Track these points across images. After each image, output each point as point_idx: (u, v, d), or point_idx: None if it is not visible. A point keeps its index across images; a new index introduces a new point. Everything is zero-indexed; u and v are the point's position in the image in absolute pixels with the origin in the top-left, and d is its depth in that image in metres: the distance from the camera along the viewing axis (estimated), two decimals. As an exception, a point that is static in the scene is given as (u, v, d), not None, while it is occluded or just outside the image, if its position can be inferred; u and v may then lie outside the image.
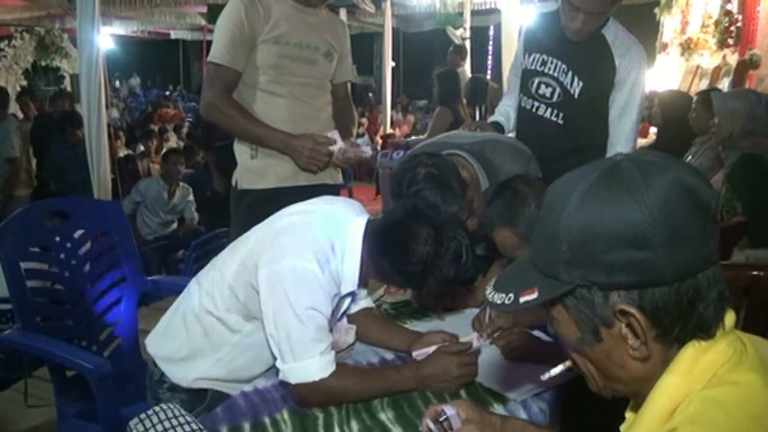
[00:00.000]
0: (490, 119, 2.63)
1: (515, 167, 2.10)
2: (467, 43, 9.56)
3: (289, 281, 1.44)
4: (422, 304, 2.10)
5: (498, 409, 1.51)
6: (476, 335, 1.73)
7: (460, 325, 1.96)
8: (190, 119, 12.66)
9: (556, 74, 2.33)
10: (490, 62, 12.98)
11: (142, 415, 1.32)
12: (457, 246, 1.50)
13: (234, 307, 1.58)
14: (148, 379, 1.72)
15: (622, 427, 0.95)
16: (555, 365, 1.00)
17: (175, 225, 5.55)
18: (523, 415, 1.50)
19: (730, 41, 5.91)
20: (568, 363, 0.95)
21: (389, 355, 1.78)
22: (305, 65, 2.27)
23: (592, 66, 2.28)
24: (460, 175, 1.92)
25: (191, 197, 5.53)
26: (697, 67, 6.17)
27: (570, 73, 2.30)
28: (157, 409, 1.34)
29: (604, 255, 0.79)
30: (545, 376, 1.01)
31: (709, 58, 6.29)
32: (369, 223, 1.60)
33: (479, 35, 11.85)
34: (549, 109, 2.38)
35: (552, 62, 2.34)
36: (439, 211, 1.68)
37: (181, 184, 5.47)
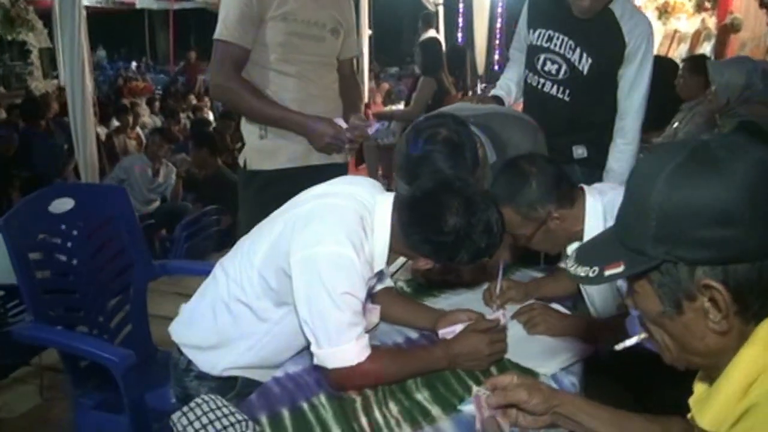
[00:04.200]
0: (491, 93, 2.61)
1: (524, 140, 2.10)
2: (440, 9, 9.47)
3: (325, 266, 1.43)
4: (428, 280, 2.10)
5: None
6: (502, 312, 1.74)
7: (474, 301, 1.97)
8: (160, 92, 12.41)
9: (562, 51, 2.33)
10: (460, 28, 12.90)
11: (185, 408, 1.31)
12: (488, 218, 1.49)
13: (264, 294, 1.56)
14: (173, 368, 1.70)
15: (691, 400, 0.97)
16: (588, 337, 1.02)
17: (157, 203, 5.48)
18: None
19: (708, 5, 5.96)
20: (643, 335, 0.97)
21: (414, 334, 1.79)
22: (313, 43, 2.23)
23: (601, 41, 2.28)
24: (477, 151, 1.91)
25: (174, 175, 5.46)
26: (675, 31, 6.20)
27: (578, 50, 2.30)
28: (199, 401, 1.33)
29: (692, 231, 0.82)
30: (620, 346, 1.03)
31: (686, 22, 6.32)
32: (396, 198, 1.59)
33: (450, 1, 11.75)
34: (555, 86, 2.38)
35: (558, 38, 2.33)
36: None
37: (165, 161, 5.39)
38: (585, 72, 2.31)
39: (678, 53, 5.82)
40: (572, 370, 1.62)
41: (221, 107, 10.04)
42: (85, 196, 2.10)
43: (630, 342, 1.01)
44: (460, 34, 13.09)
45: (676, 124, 3.94)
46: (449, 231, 1.47)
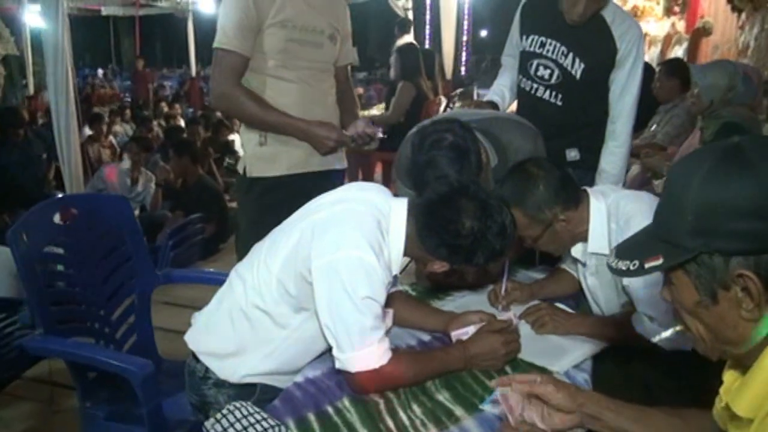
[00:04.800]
0: (486, 98, 2.66)
1: (524, 144, 2.15)
2: (410, 14, 9.55)
3: (346, 271, 1.45)
4: (432, 283, 2.14)
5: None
6: (513, 312, 1.79)
7: (479, 303, 2.02)
8: (128, 99, 12.28)
9: (555, 56, 2.39)
10: (428, 32, 13.00)
11: (218, 415, 1.33)
12: (502, 220, 1.53)
13: (283, 300, 1.58)
14: (189, 376, 1.70)
15: (722, 389, 1.02)
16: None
17: (136, 212, 5.43)
18: (570, 386, 1.56)
19: (677, 9, 6.13)
20: (678, 327, 1.03)
21: (426, 337, 1.82)
22: (312, 49, 2.25)
23: (593, 46, 2.35)
24: (481, 156, 1.95)
25: (153, 184, 5.42)
26: (645, 34, 6.36)
27: (571, 55, 2.36)
28: (231, 407, 1.35)
29: (727, 225, 0.88)
30: (656, 338, 1.08)
31: (654, 25, 6.48)
32: (410, 203, 1.62)
33: (417, 4, 11.81)
34: (548, 91, 2.44)
35: (551, 44, 2.39)
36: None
37: (143, 170, 5.34)
38: (578, 77, 2.37)
39: (649, 56, 5.96)
40: (583, 367, 1.67)
41: (191, 113, 9.97)
42: (89, 206, 2.09)
43: (666, 334, 1.06)
44: (427, 39, 13.21)
45: (654, 127, 4.05)
46: (466, 234, 1.50)
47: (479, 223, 1.50)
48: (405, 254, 1.61)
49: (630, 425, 1.23)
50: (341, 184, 2.19)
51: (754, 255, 0.87)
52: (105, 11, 13.41)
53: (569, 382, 1.35)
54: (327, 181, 2.26)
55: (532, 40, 2.44)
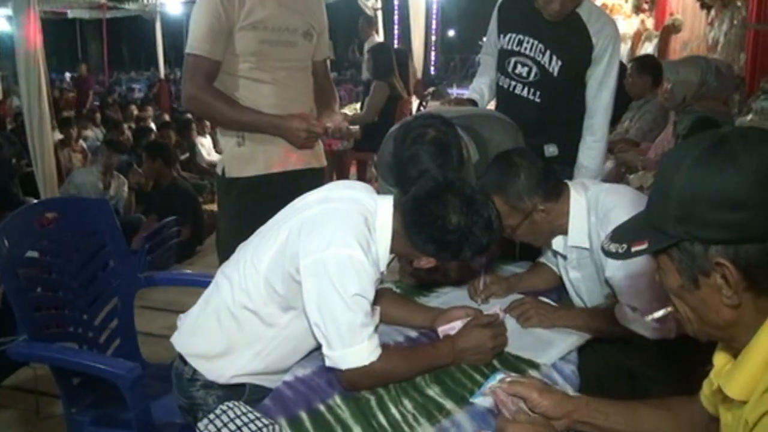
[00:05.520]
0: (466, 96, 2.69)
1: (505, 140, 2.17)
2: (379, 14, 9.56)
3: (335, 269, 1.45)
4: (416, 280, 2.16)
5: (533, 374, 1.58)
6: (499, 307, 1.81)
7: (463, 298, 2.04)
8: (97, 103, 12.10)
9: (532, 54, 2.42)
10: (396, 31, 13.04)
11: (212, 416, 1.33)
12: (488, 214, 1.55)
13: (271, 299, 1.58)
14: (176, 378, 1.69)
15: (713, 373, 1.05)
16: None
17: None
18: (558, 378, 1.59)
19: (645, 6, 6.22)
20: (669, 308, 1.06)
21: (413, 333, 1.83)
22: (285, 48, 2.26)
23: (570, 44, 2.39)
24: (462, 151, 1.97)
25: (126, 188, 5.35)
26: (616, 32, 6.44)
27: (548, 53, 2.39)
28: (224, 407, 1.35)
29: (707, 214, 0.91)
30: (649, 318, 1.12)
31: (623, 23, 6.57)
32: (396, 200, 1.63)
33: (386, 3, 11.82)
34: (525, 88, 2.48)
35: (528, 42, 2.42)
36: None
37: (116, 173, 5.28)
38: (555, 74, 2.40)
39: (620, 53, 6.05)
40: (570, 359, 1.70)
41: (158, 114, 9.85)
42: (70, 209, 2.06)
43: (658, 314, 1.09)
44: (396, 39, 13.25)
45: (626, 123, 4.11)
46: (453, 230, 1.51)
47: (466, 218, 1.51)
48: (392, 251, 1.62)
49: (620, 423, 1.26)
50: (320, 182, 2.20)
51: (732, 245, 0.90)
52: (71, 14, 13.20)
53: (557, 389, 1.37)
54: (306, 179, 2.27)
55: (510, 38, 2.47)
